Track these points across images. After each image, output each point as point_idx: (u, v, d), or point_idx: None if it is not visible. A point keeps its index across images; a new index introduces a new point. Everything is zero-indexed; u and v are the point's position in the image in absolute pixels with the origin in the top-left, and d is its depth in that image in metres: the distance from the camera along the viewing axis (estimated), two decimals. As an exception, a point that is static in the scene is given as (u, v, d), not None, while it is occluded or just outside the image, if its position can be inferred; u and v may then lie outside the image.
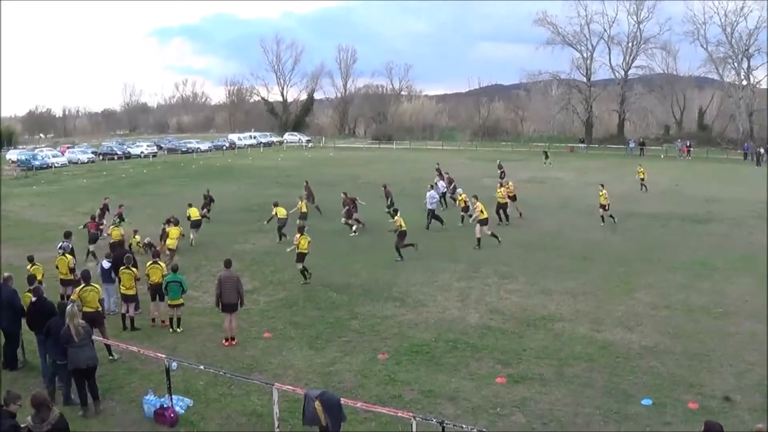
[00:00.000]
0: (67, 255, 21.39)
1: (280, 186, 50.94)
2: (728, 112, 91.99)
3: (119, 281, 19.32)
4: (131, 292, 18.96)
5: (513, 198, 35.66)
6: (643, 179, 47.23)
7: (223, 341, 17.63)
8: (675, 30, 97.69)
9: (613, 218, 33.95)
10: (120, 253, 20.70)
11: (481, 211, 28.90)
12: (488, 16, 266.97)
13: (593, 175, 56.69)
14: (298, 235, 23.97)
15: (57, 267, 21.10)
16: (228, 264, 18.11)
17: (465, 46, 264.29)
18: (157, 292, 19.11)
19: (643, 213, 36.84)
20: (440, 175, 43.23)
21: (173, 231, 27.22)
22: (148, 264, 19.32)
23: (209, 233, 32.61)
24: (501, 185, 35.77)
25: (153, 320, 19.26)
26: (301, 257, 23.64)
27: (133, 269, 18.93)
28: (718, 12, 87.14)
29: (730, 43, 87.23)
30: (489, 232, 29.02)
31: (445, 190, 39.32)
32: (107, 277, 20.03)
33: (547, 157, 71.15)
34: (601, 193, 34.01)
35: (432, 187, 35.50)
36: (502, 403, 13.73)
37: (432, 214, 33.33)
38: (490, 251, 27.67)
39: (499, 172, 49.38)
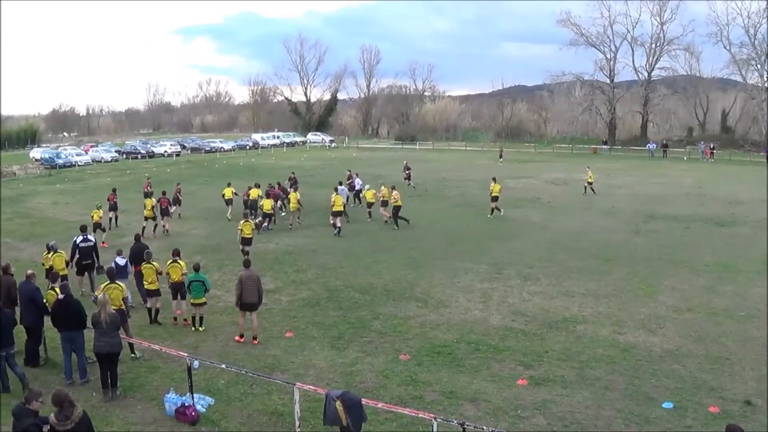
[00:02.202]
0: (60, 251, 21.44)
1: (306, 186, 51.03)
2: (751, 114, 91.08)
3: (141, 276, 19.67)
4: (154, 287, 19.26)
5: (384, 203, 35.49)
6: (591, 183, 46.06)
7: (237, 338, 17.86)
8: (698, 31, 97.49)
9: (499, 210, 36.66)
10: (136, 248, 21.10)
11: (334, 203, 32.70)
12: (512, 15, 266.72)
13: (617, 176, 56.55)
14: (242, 221, 27.40)
15: (47, 265, 20.74)
16: (247, 264, 18.26)
17: (488, 47, 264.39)
18: (177, 290, 19.26)
19: (666, 215, 36.61)
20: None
21: (293, 196, 34.70)
22: (168, 262, 19.39)
23: (233, 232, 32.83)
24: (394, 187, 35.67)
25: (175, 319, 19.37)
26: (245, 242, 26.87)
27: (154, 263, 19.26)
28: (741, 13, 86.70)
29: (753, 44, 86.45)
30: (332, 221, 32.81)
31: (360, 187, 40.36)
32: (123, 272, 19.95)
33: (501, 156, 72.74)
34: (492, 186, 36.88)
35: (341, 183, 37.65)
36: (523, 405, 13.72)
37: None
38: (513, 252, 27.64)
39: (405, 173, 49.58)
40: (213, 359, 15.54)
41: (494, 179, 37.67)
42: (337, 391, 11.70)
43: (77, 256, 22.16)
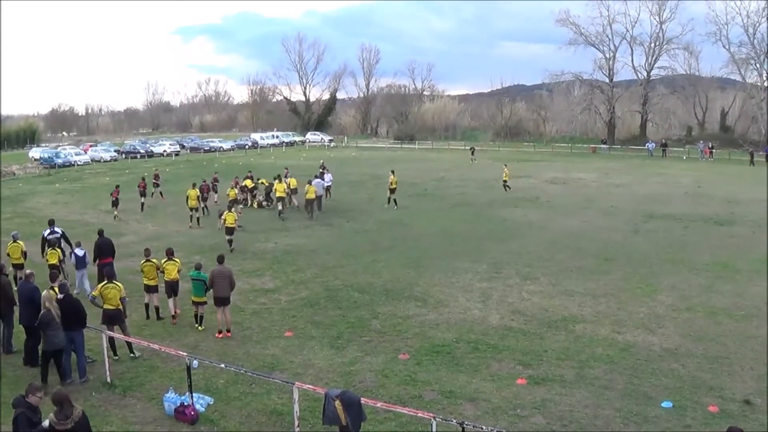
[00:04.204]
0: (18, 241, 22.40)
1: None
2: (750, 114, 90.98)
3: (141, 273, 19.73)
4: (153, 283, 19.38)
5: (294, 192, 40.23)
6: (506, 181, 46.69)
7: (217, 334, 18.01)
8: (697, 30, 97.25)
9: (395, 202, 39.41)
10: (100, 242, 21.99)
11: (281, 191, 37.24)
12: (510, 14, 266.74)
13: (616, 175, 56.55)
14: (225, 212, 29.42)
15: (9, 255, 22.19)
16: (221, 260, 18.63)
17: (487, 46, 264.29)
18: (173, 289, 19.29)
19: (665, 214, 36.59)
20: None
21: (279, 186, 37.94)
22: (164, 261, 19.42)
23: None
24: (310, 182, 38.22)
25: (173, 317, 19.38)
26: (228, 231, 28.79)
27: (154, 260, 19.39)
28: (741, 13, 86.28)
29: (752, 44, 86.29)
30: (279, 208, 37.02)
31: (330, 182, 43.74)
32: (81, 263, 21.45)
33: (473, 154, 75.03)
34: (391, 179, 39.99)
35: (317, 176, 41.76)
36: (522, 404, 13.72)
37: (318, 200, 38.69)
38: (512, 252, 27.63)
39: (320, 171, 50.41)
40: (212, 358, 15.55)
41: (392, 172, 40.96)
42: (336, 390, 11.70)
43: (47, 247, 22.71)
